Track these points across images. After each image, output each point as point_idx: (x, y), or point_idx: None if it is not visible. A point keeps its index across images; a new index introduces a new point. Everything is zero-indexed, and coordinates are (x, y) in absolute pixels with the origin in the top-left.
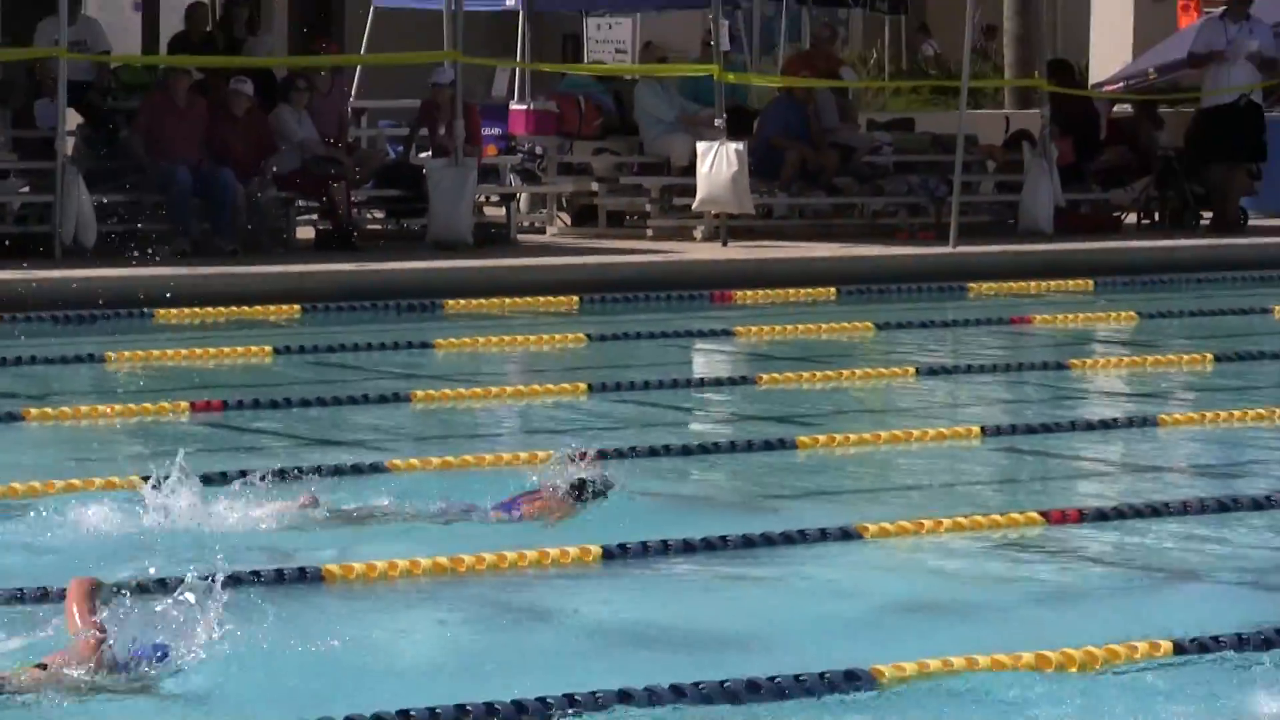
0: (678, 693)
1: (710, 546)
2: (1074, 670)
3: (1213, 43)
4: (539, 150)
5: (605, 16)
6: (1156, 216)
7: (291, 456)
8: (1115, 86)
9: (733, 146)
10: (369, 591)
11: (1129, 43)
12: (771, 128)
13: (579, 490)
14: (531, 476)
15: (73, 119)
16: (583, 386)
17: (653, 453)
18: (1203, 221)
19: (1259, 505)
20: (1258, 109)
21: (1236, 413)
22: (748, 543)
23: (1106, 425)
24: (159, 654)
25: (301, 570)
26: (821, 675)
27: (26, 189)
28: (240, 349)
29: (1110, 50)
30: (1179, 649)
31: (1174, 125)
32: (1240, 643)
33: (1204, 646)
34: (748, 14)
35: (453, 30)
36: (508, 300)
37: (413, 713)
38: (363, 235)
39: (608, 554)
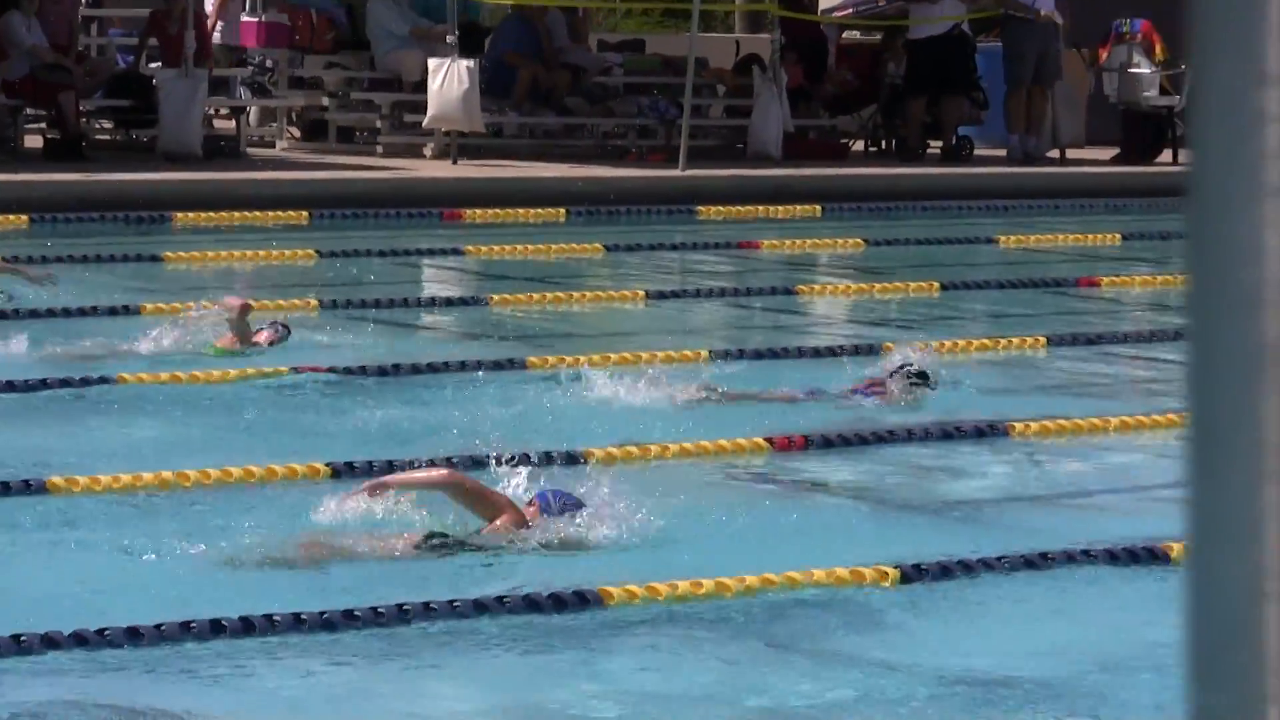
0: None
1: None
2: (797, 590)
3: None
4: (269, 63)
5: None
6: (884, 144)
7: (20, 369)
8: (845, 12)
9: (464, 64)
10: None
11: None
12: (503, 45)
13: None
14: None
15: None
16: (314, 303)
17: (382, 372)
18: (930, 150)
19: (980, 433)
20: (966, 39)
21: (961, 341)
22: (475, 464)
23: (834, 352)
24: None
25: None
26: (551, 595)
27: None
28: None
29: None
30: (905, 577)
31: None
32: (967, 569)
33: (925, 571)
34: None
35: None
36: (237, 214)
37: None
38: (92, 145)
39: (335, 472)
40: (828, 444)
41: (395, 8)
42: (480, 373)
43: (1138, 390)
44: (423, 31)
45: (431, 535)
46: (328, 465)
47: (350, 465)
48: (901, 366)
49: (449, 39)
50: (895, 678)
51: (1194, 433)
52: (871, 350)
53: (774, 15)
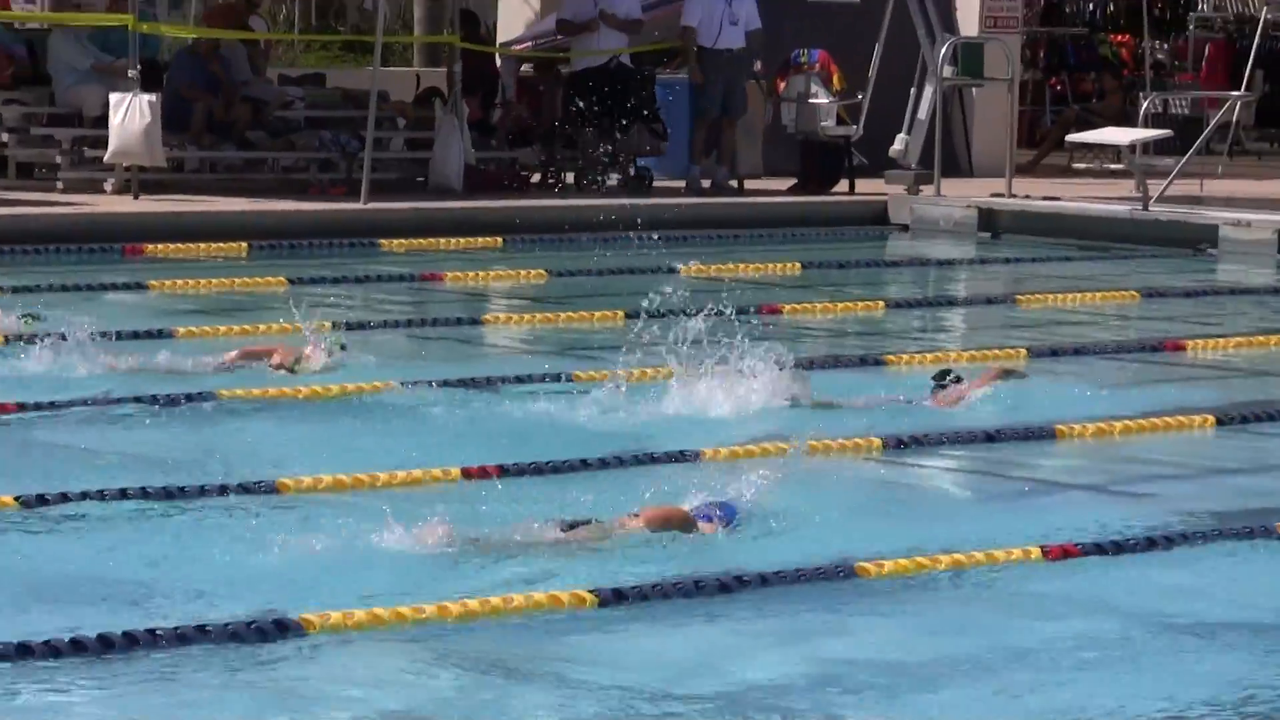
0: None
1: (145, 494)
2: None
3: (580, 10)
4: None
5: None
6: (563, 176)
7: None
8: (524, 45)
9: (145, 98)
10: None
11: (537, 2)
12: (179, 79)
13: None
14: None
15: None
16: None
17: (53, 406)
18: (610, 181)
19: (673, 459)
20: (630, 71)
21: (649, 370)
22: (183, 493)
23: (521, 380)
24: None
25: None
26: (249, 624)
27: None
28: None
29: (519, 8)
30: (601, 602)
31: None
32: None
33: (623, 595)
34: None
35: None
36: None
37: None
38: None
39: (25, 503)
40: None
41: (76, 43)
42: (156, 407)
43: (818, 412)
44: (104, 66)
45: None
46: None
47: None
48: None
49: (130, 73)
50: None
51: None
52: (560, 378)
53: (454, 48)
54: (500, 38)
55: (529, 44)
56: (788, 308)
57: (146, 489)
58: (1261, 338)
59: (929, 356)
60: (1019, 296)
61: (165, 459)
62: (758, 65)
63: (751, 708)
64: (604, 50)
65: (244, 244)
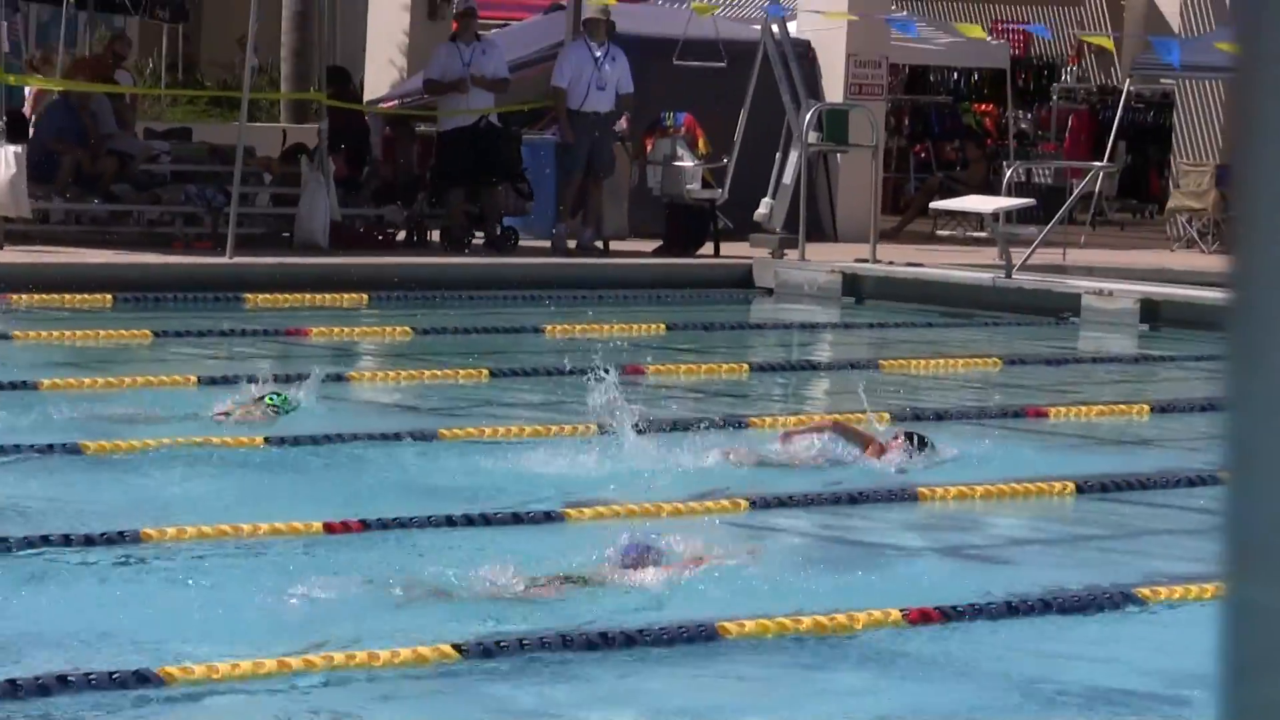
0: None
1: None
2: (319, 670)
3: (448, 70)
4: None
5: None
6: (428, 235)
7: None
8: (391, 103)
9: (11, 149)
10: None
11: (404, 60)
12: (46, 131)
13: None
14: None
15: None
16: None
17: None
18: (475, 240)
19: (547, 517)
20: (497, 131)
21: (514, 428)
22: (45, 541)
23: (387, 438)
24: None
25: None
26: (111, 674)
27: None
28: None
29: (386, 66)
30: (460, 650)
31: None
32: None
33: (487, 651)
34: (25, 17)
35: None
36: None
37: None
38: None
39: None
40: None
41: None
42: (34, 455)
43: (678, 473)
44: None
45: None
46: None
47: None
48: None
49: None
50: None
51: (1239, 325)
52: (425, 436)
53: (320, 104)
54: (367, 95)
55: (395, 101)
56: (652, 368)
57: (6, 539)
58: (1123, 405)
59: (792, 419)
60: (882, 361)
61: (28, 509)
62: (624, 124)
63: None
64: (472, 110)
65: (109, 296)
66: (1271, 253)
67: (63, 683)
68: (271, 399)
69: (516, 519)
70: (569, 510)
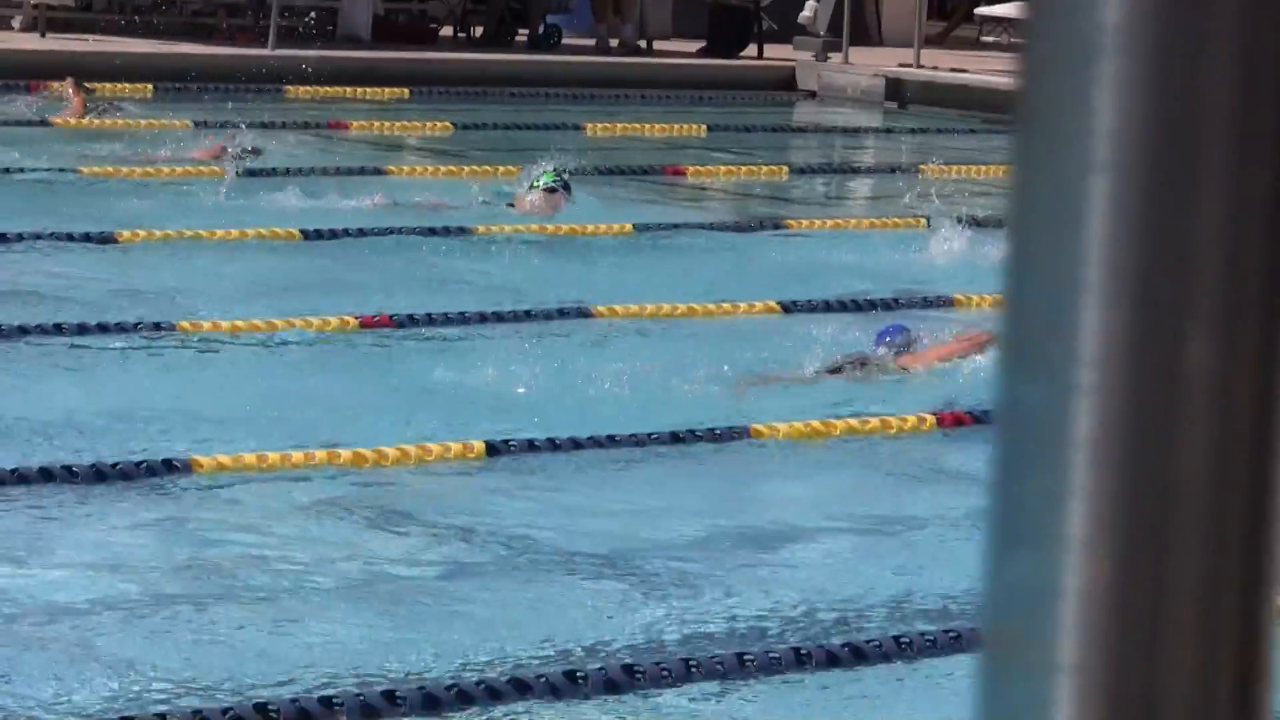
0: None
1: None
2: (374, 467)
3: None
4: None
5: None
6: (471, 30)
7: None
8: None
9: None
10: None
11: None
12: None
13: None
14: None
15: None
16: None
17: None
18: (519, 38)
19: (563, 313)
20: None
21: (549, 226)
22: (81, 330)
23: (426, 233)
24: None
25: None
26: (138, 464)
27: None
28: None
29: None
30: (490, 449)
31: None
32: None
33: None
34: None
35: None
36: None
37: None
38: None
39: None
40: None
41: None
42: (69, 241)
43: (722, 275)
44: None
45: None
46: None
47: None
48: None
49: None
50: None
51: (1024, 118)
52: (463, 232)
53: None
54: None
55: None
56: (691, 169)
57: (44, 326)
58: None
59: (829, 222)
60: (923, 166)
61: (67, 297)
62: None
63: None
64: None
65: (149, 85)
66: None
67: (97, 473)
68: None
69: (561, 313)
70: (598, 308)
